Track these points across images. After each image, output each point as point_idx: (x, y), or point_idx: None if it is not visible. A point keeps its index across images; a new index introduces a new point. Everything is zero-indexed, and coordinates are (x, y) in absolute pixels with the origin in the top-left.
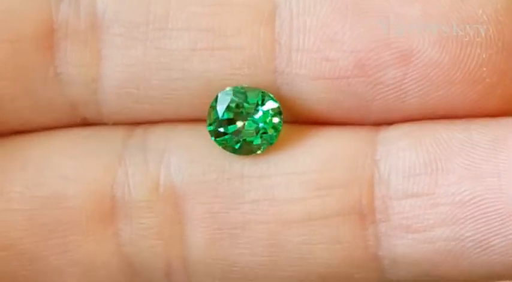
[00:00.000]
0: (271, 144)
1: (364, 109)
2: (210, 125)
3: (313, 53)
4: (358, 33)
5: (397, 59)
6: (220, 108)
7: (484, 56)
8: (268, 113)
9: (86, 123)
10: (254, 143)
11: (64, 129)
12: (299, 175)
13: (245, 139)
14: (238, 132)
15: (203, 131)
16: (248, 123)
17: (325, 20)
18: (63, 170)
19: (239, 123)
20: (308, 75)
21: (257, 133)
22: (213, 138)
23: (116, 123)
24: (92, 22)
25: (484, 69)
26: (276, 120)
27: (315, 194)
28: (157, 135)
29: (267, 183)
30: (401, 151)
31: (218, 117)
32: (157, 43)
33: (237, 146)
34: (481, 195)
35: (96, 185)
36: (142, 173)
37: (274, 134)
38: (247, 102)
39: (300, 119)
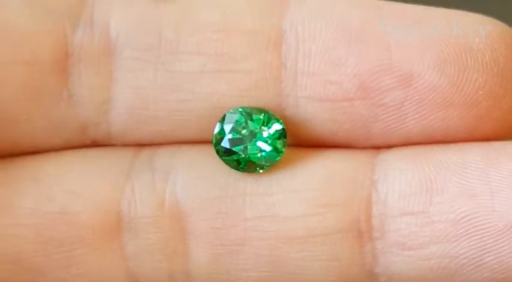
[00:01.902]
0: (274, 163)
1: (366, 130)
2: (216, 143)
3: (318, 76)
4: (361, 58)
5: (398, 82)
6: (227, 128)
7: (480, 80)
8: (273, 134)
9: (95, 146)
10: (258, 162)
11: (74, 149)
12: (300, 193)
13: (249, 158)
14: (243, 151)
15: (209, 149)
16: (253, 143)
17: (329, 45)
18: (71, 187)
19: (244, 143)
20: (312, 97)
21: (261, 153)
22: (218, 156)
23: (125, 145)
24: (105, 46)
25: (481, 93)
26: (280, 141)
27: (315, 211)
28: (164, 154)
29: (268, 200)
30: (398, 171)
31: (224, 136)
32: (167, 66)
33: (241, 165)
34: (473, 213)
35: (103, 201)
36: (149, 190)
37: (278, 154)
38: (253, 123)
39: (303, 140)
